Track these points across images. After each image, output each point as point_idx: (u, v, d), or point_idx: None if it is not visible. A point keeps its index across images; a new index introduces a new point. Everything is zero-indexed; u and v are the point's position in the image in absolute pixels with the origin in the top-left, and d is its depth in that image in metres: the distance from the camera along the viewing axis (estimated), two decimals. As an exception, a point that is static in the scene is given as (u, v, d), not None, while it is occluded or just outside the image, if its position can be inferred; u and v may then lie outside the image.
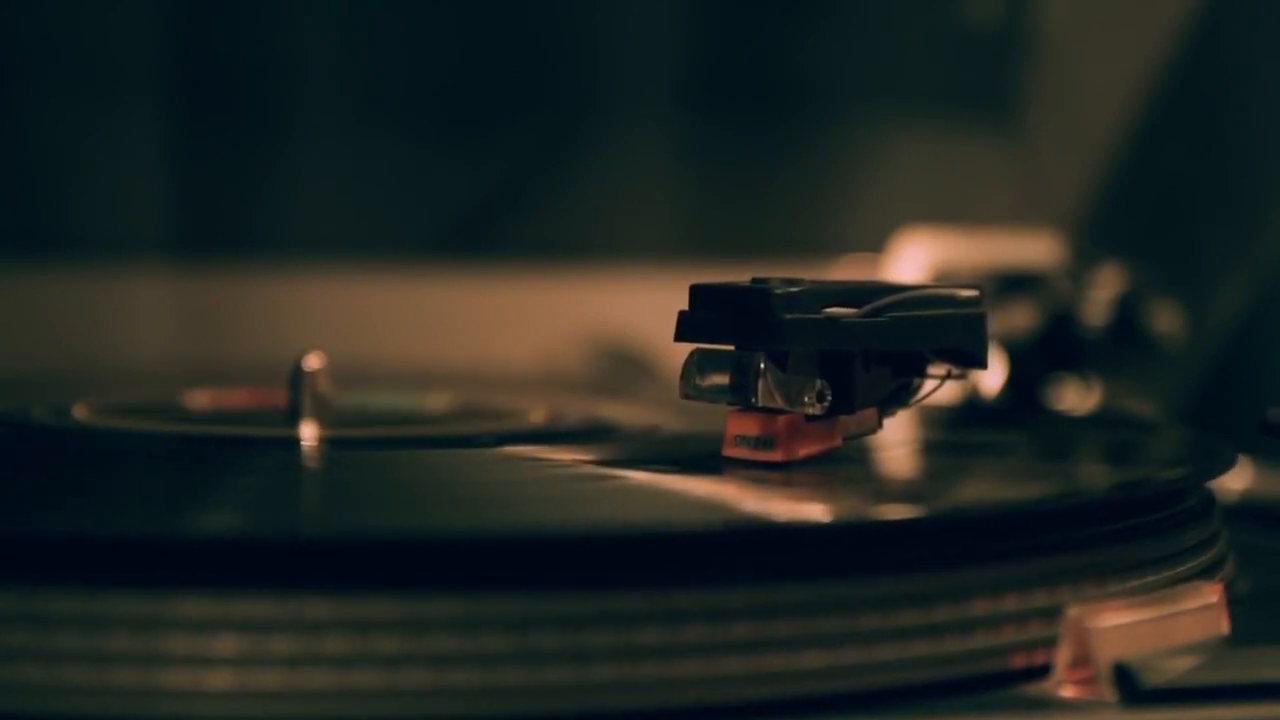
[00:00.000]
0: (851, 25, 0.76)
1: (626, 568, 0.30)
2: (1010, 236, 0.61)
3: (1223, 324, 0.67)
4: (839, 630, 0.31)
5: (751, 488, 0.35)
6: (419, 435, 0.45)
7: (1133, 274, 0.58)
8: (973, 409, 0.54)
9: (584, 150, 0.75)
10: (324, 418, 0.44)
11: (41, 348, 0.70)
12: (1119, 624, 0.32)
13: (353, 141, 0.73)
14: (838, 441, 0.38)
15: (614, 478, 0.37)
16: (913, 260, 0.61)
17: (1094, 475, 0.43)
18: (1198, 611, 0.33)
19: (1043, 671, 0.32)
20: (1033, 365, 0.57)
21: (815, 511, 0.34)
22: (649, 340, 0.68)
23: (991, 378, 0.56)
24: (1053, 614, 0.32)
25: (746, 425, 0.37)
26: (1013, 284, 0.59)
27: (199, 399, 0.48)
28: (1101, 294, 0.58)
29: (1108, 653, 0.31)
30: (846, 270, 0.66)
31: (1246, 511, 0.48)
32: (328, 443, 0.42)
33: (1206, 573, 0.36)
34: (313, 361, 0.44)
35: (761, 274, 0.37)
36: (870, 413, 0.38)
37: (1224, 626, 0.34)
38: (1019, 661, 0.32)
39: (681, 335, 0.37)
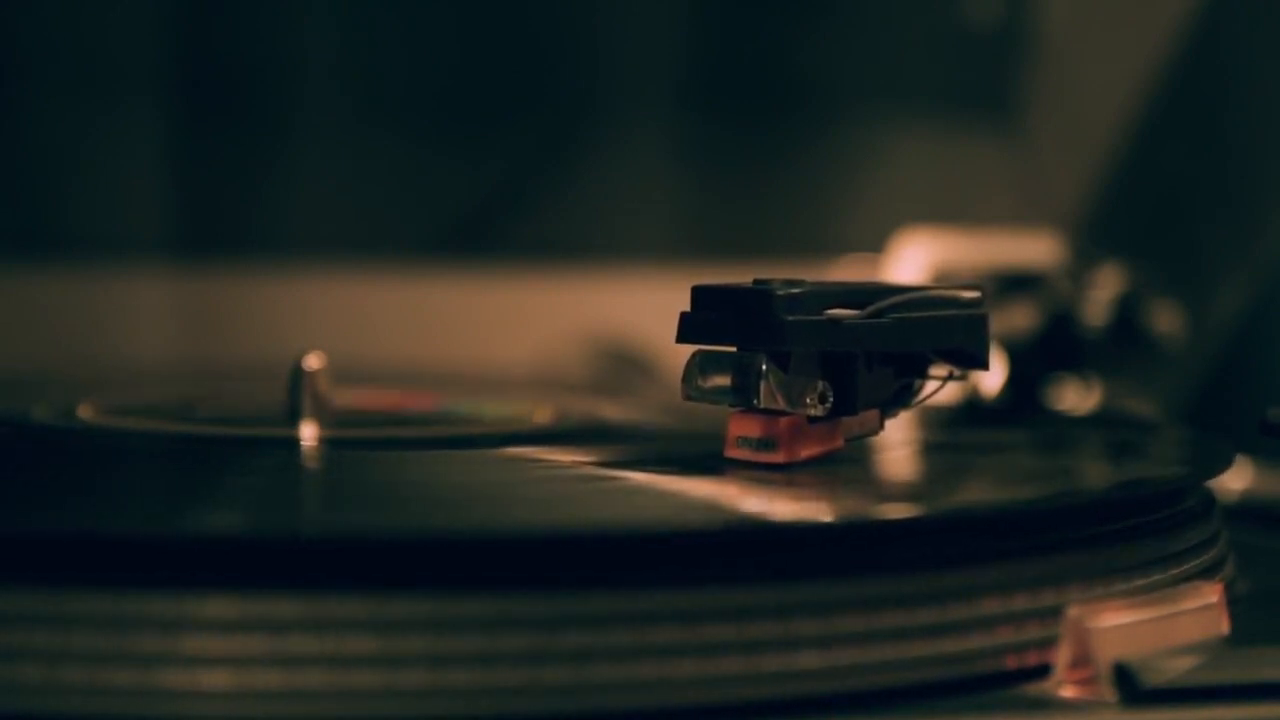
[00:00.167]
0: (851, 25, 0.76)
1: (627, 568, 0.30)
2: (1010, 236, 0.61)
3: (1223, 324, 0.67)
4: (839, 630, 0.31)
5: (752, 488, 0.35)
6: (419, 436, 0.45)
7: (1133, 274, 0.58)
8: (973, 409, 0.54)
9: (584, 150, 0.75)
10: (324, 418, 0.44)
11: (41, 348, 0.70)
12: (1119, 624, 0.32)
13: (353, 141, 0.73)
14: (840, 443, 0.38)
15: (615, 478, 0.37)
16: (913, 260, 0.61)
17: (1094, 475, 0.43)
18: (1198, 611, 0.34)
19: (1043, 671, 0.32)
20: (1033, 365, 0.57)
21: (816, 512, 0.34)
22: (649, 340, 0.68)
23: (992, 378, 0.56)
24: (1053, 614, 0.32)
25: (748, 427, 0.37)
26: (1013, 284, 0.59)
27: (348, 399, 0.48)
28: (1101, 294, 0.58)
29: (1108, 653, 0.31)
30: (846, 270, 0.66)
31: (1246, 511, 0.48)
32: (327, 443, 0.42)
33: (1206, 573, 0.36)
34: (313, 361, 0.44)
35: (762, 274, 0.37)
36: (872, 414, 0.38)
37: (1224, 626, 0.34)
38: (1019, 661, 0.32)
39: (683, 336, 0.37)
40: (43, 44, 0.71)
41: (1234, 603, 0.35)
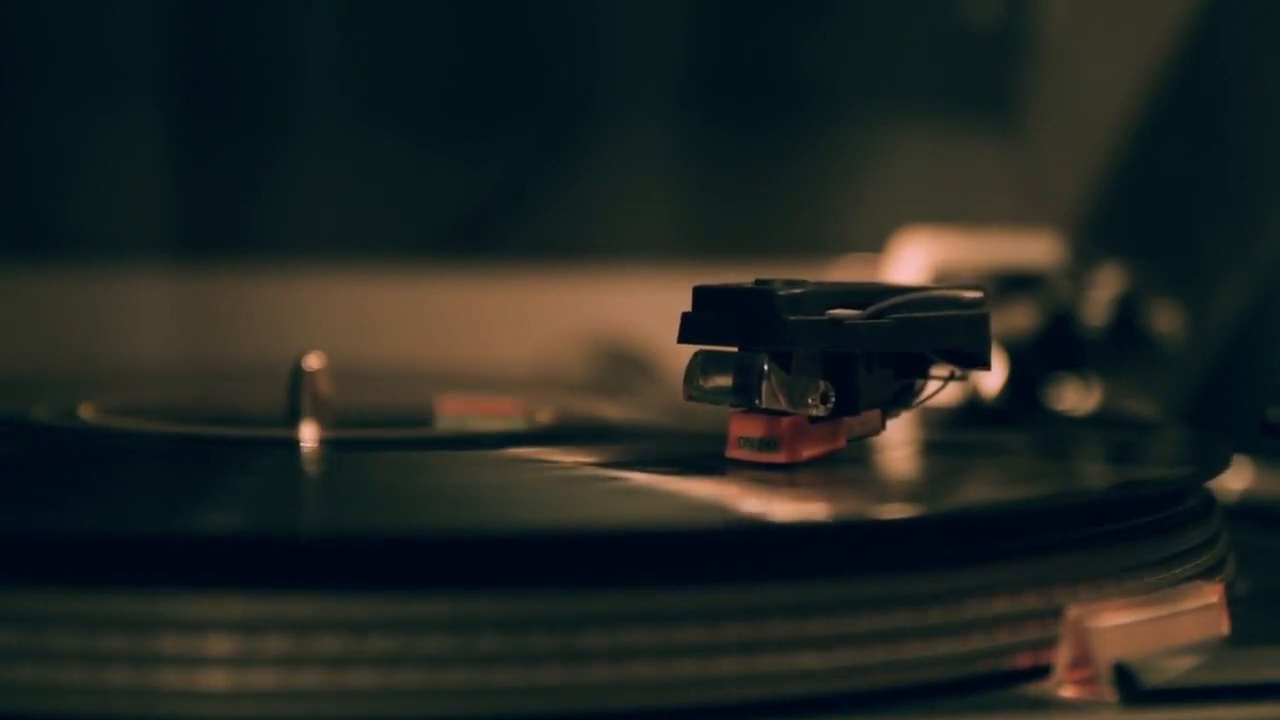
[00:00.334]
0: (851, 25, 0.76)
1: (629, 568, 0.30)
2: (1010, 236, 0.61)
3: (1223, 324, 0.67)
4: (839, 630, 0.31)
5: (754, 488, 0.35)
6: (419, 436, 0.45)
7: (1133, 274, 0.58)
8: (973, 409, 0.54)
9: (584, 150, 0.75)
10: (324, 418, 0.44)
11: (41, 348, 0.70)
12: (1119, 624, 0.32)
13: (353, 141, 0.73)
14: (841, 443, 0.38)
15: (616, 479, 0.37)
16: (913, 260, 0.61)
17: (1094, 475, 0.43)
18: (1198, 612, 0.34)
19: (1043, 671, 0.32)
20: (1033, 365, 0.57)
21: (817, 512, 0.34)
22: (649, 340, 0.68)
23: (992, 378, 0.56)
24: (1053, 614, 0.32)
25: (750, 427, 0.37)
26: (1013, 284, 0.59)
27: (448, 404, 0.48)
28: (1101, 294, 0.58)
29: (1108, 653, 0.31)
30: (846, 270, 0.66)
31: (1246, 511, 0.48)
32: (327, 443, 0.42)
33: (1207, 573, 0.36)
34: (313, 361, 0.44)
35: (762, 274, 0.37)
36: (874, 414, 0.38)
37: (1224, 627, 0.34)
38: (1019, 661, 0.32)
39: (685, 337, 0.37)
40: (43, 44, 0.71)
41: (1234, 603, 0.35)
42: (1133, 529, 0.35)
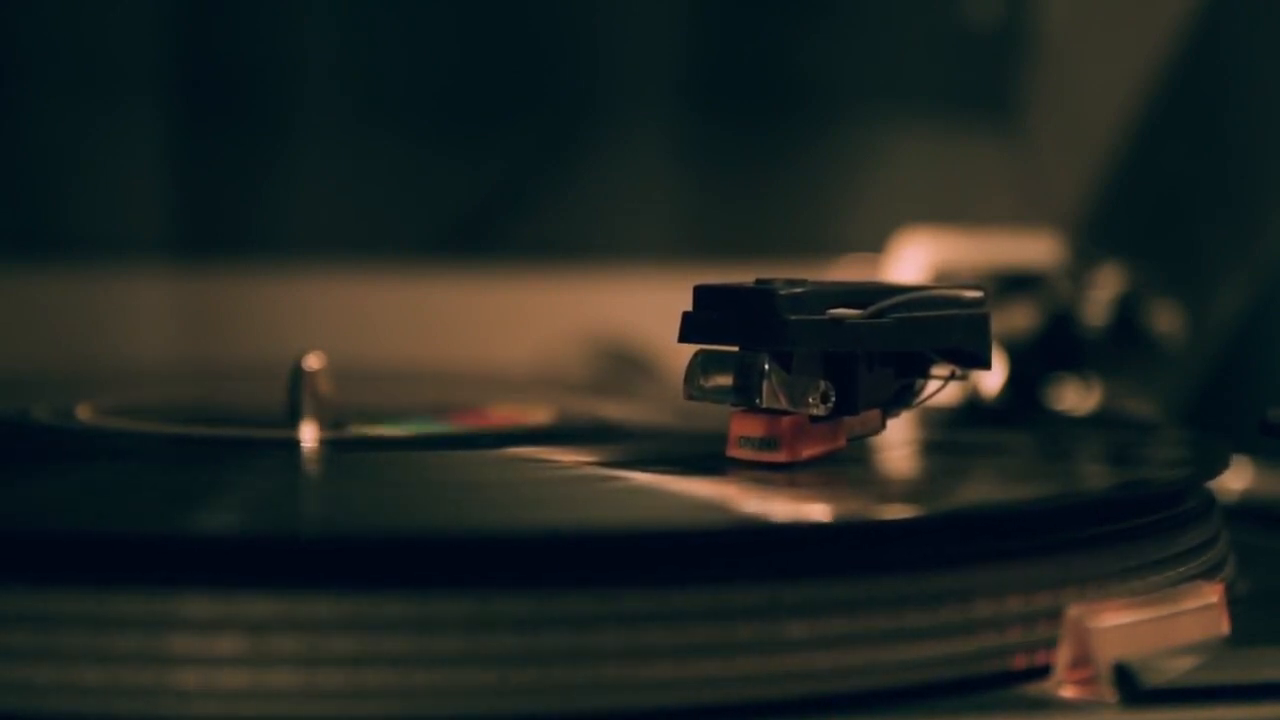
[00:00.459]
0: (851, 25, 0.76)
1: (629, 568, 0.30)
2: (1010, 236, 0.61)
3: (1223, 324, 0.67)
4: (839, 631, 0.31)
5: (754, 488, 0.35)
6: (419, 436, 0.45)
7: (1133, 274, 0.58)
8: (973, 409, 0.54)
9: (584, 150, 0.75)
10: (324, 418, 0.44)
11: (41, 348, 0.70)
12: (1119, 624, 0.32)
13: (353, 141, 0.73)
14: (842, 442, 0.38)
15: (616, 478, 0.37)
16: (913, 260, 0.61)
17: (1094, 475, 0.43)
18: (1198, 612, 0.34)
19: (1043, 671, 0.32)
20: (1033, 365, 0.57)
21: (817, 511, 0.34)
22: (649, 340, 0.68)
23: (992, 378, 0.56)
24: (1053, 614, 0.32)
25: (750, 426, 0.37)
26: (1013, 284, 0.59)
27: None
28: (1101, 294, 0.58)
29: (1108, 653, 0.31)
30: (846, 270, 0.66)
31: (1246, 511, 0.48)
32: (327, 443, 0.42)
33: (1207, 573, 0.36)
34: (313, 361, 0.44)
35: (762, 274, 0.37)
36: (874, 413, 0.38)
37: (1224, 627, 0.34)
38: (1019, 661, 0.32)
39: (685, 336, 0.37)
40: (43, 44, 0.71)
41: (1234, 603, 0.35)
42: (1133, 529, 0.35)
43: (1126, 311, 0.57)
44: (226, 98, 0.72)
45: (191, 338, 0.71)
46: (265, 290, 0.71)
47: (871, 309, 0.37)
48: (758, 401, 0.36)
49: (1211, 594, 0.34)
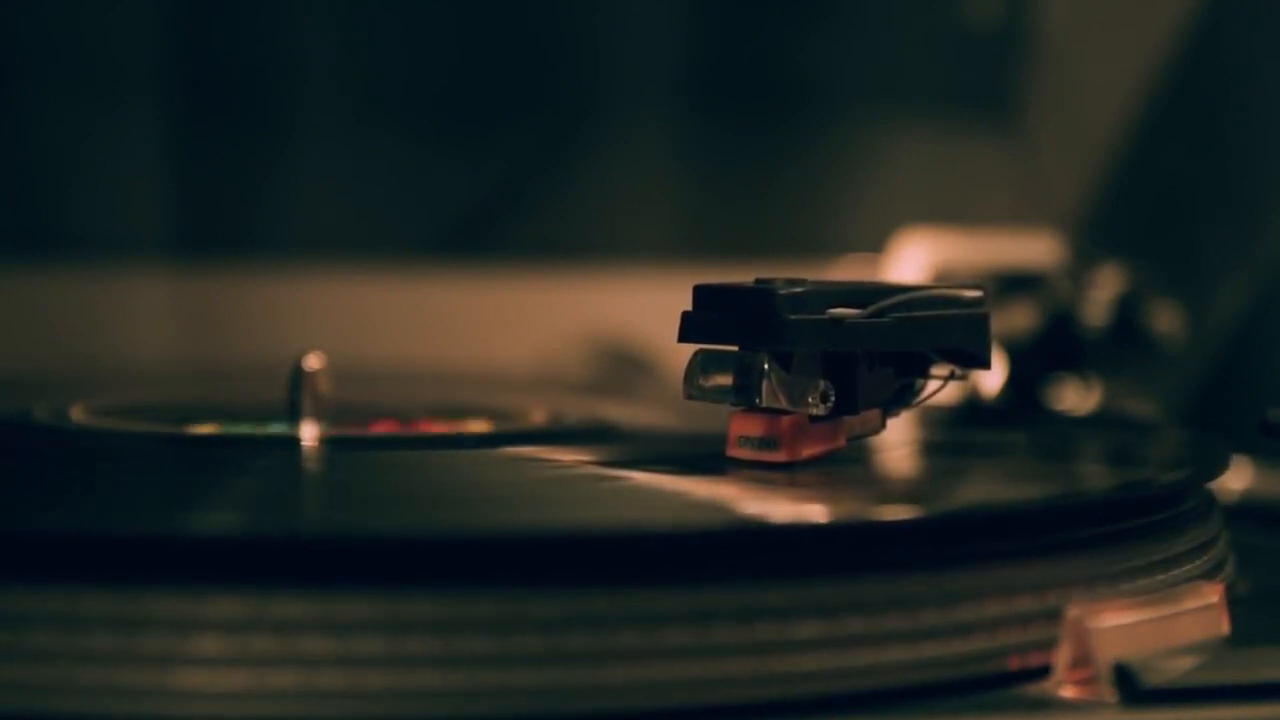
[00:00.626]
0: (851, 25, 0.76)
1: (628, 568, 0.30)
2: (1010, 236, 0.61)
3: (1223, 324, 0.67)
4: (839, 631, 0.31)
5: (753, 488, 0.35)
6: (419, 435, 0.45)
7: (1133, 274, 0.58)
8: (973, 409, 0.54)
9: (584, 150, 0.75)
10: (324, 418, 0.44)
11: (41, 348, 0.70)
12: (1119, 624, 0.32)
13: (353, 141, 0.73)
14: (841, 442, 0.38)
15: (616, 478, 0.37)
16: (913, 260, 0.61)
17: (1094, 476, 0.43)
18: (1198, 612, 0.34)
19: (1043, 672, 0.32)
20: (1033, 365, 0.57)
21: (816, 512, 0.34)
22: (649, 340, 0.68)
23: (992, 378, 0.56)
24: (1053, 614, 0.32)
25: (750, 426, 0.37)
26: (1013, 284, 0.59)
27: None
28: (1101, 294, 0.58)
29: (1108, 653, 0.31)
30: (846, 270, 0.66)
31: (1246, 511, 0.48)
32: (327, 443, 0.42)
33: (1207, 573, 0.36)
34: (313, 361, 0.44)
35: (762, 274, 0.37)
36: (874, 413, 0.38)
37: (1224, 627, 0.34)
38: (1019, 662, 0.32)
39: (685, 336, 0.37)
40: (43, 44, 0.71)
41: (1234, 603, 0.35)
42: (1133, 529, 0.35)
43: (1126, 311, 0.57)
44: (226, 98, 0.72)
45: (191, 338, 0.71)
46: (265, 290, 0.71)
47: (871, 309, 0.37)
48: (757, 401, 0.36)
49: (1211, 594, 0.34)
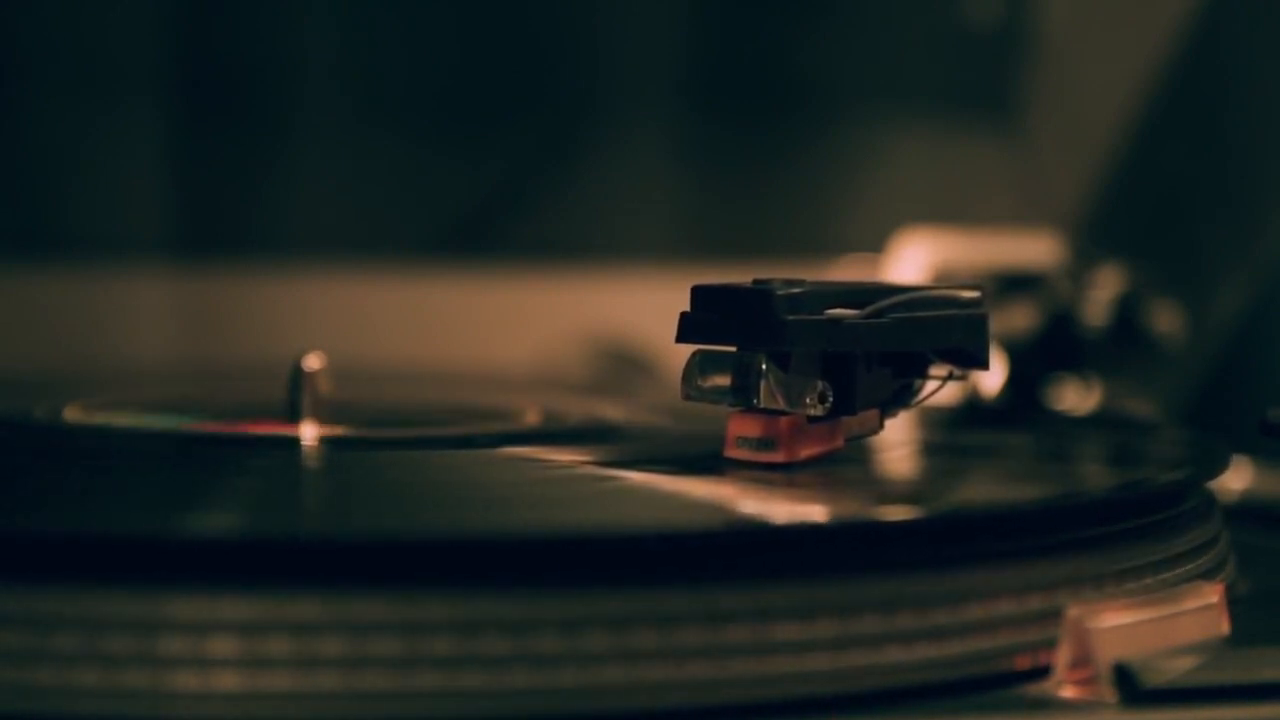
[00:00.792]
0: (851, 25, 0.76)
1: (627, 569, 0.30)
2: (1010, 236, 0.61)
3: (1223, 324, 0.67)
4: (839, 631, 0.31)
5: (752, 489, 0.35)
6: (419, 436, 0.45)
7: (1133, 274, 0.58)
8: (973, 409, 0.54)
9: (584, 150, 0.75)
10: (324, 418, 0.44)
11: (41, 348, 0.70)
12: (1119, 624, 0.32)
13: (353, 141, 0.73)
14: (840, 443, 0.38)
15: (615, 479, 0.37)
16: (913, 260, 0.61)
17: (1094, 476, 0.43)
18: (1198, 612, 0.34)
19: (1043, 672, 0.32)
20: (1033, 365, 0.57)
21: (815, 512, 0.34)
22: (649, 340, 0.68)
23: (991, 378, 0.56)
24: (1053, 614, 0.32)
25: (748, 426, 0.37)
26: (1013, 284, 0.59)
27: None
28: (1101, 294, 0.58)
29: (1108, 653, 0.31)
30: (846, 270, 0.66)
31: (1246, 511, 0.48)
32: (327, 443, 0.42)
33: (1207, 573, 0.36)
34: (313, 361, 0.44)
35: (762, 274, 0.37)
36: (872, 414, 0.38)
37: (1224, 627, 0.34)
38: (1019, 662, 0.32)
39: (683, 336, 0.37)
40: (43, 44, 0.71)
41: (1234, 603, 0.35)
42: (1133, 529, 0.35)
43: (1126, 311, 0.57)
44: (226, 98, 0.72)
45: (191, 338, 0.71)
46: (265, 290, 0.71)
47: (869, 309, 0.37)
48: (755, 402, 0.36)
49: (1211, 594, 0.34)
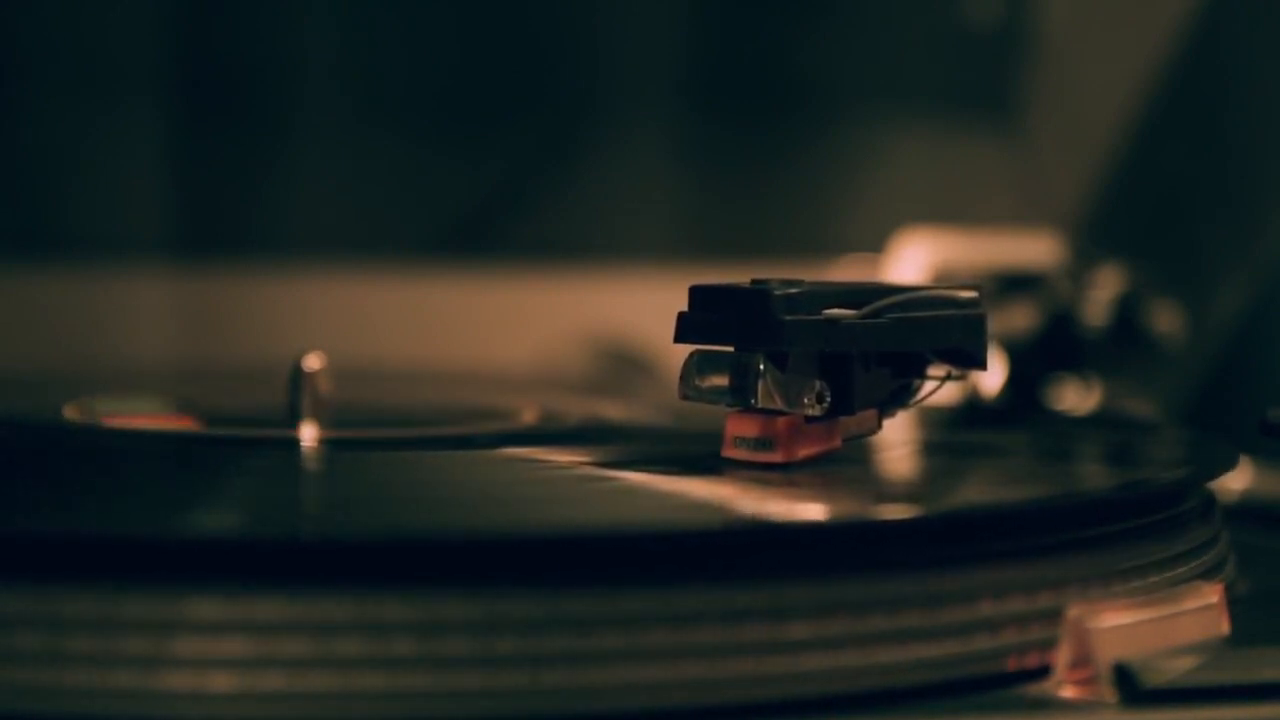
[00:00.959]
0: (851, 25, 0.76)
1: (626, 569, 0.30)
2: (1010, 236, 0.61)
3: (1223, 324, 0.67)
4: (838, 631, 0.31)
5: (751, 488, 0.35)
6: (419, 436, 0.45)
7: (1133, 274, 0.58)
8: (973, 409, 0.54)
9: (584, 150, 0.75)
10: (324, 418, 0.44)
11: (41, 348, 0.70)
12: (1119, 624, 0.32)
13: (353, 141, 0.73)
14: (838, 443, 0.38)
15: (614, 478, 0.37)
16: (913, 260, 0.61)
17: (1094, 476, 0.43)
18: (1198, 612, 0.33)
19: (1043, 672, 0.32)
20: (1033, 365, 0.57)
21: (814, 512, 0.34)
22: (649, 340, 0.68)
23: (991, 378, 0.56)
24: (1053, 614, 0.32)
25: (746, 427, 0.37)
26: (1013, 284, 0.59)
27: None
28: (1101, 294, 0.58)
29: (1108, 653, 0.31)
30: (846, 270, 0.66)
31: (1246, 511, 0.48)
32: (327, 443, 0.42)
33: (1207, 573, 0.36)
34: (313, 361, 0.44)
35: (761, 274, 0.37)
36: (870, 414, 0.38)
37: (1224, 627, 0.34)
38: (1019, 662, 0.32)
39: (681, 336, 0.37)
40: (43, 44, 0.71)
41: (1234, 603, 0.35)
42: (1133, 529, 0.35)
43: (1126, 311, 0.57)
44: (226, 98, 0.72)
45: (191, 338, 0.71)
46: (265, 290, 0.71)
47: (867, 309, 0.37)
48: (753, 402, 0.36)
49: (1211, 594, 0.34)
